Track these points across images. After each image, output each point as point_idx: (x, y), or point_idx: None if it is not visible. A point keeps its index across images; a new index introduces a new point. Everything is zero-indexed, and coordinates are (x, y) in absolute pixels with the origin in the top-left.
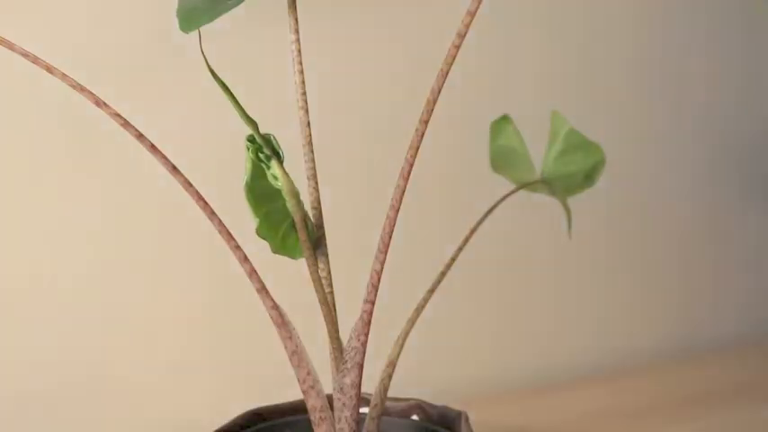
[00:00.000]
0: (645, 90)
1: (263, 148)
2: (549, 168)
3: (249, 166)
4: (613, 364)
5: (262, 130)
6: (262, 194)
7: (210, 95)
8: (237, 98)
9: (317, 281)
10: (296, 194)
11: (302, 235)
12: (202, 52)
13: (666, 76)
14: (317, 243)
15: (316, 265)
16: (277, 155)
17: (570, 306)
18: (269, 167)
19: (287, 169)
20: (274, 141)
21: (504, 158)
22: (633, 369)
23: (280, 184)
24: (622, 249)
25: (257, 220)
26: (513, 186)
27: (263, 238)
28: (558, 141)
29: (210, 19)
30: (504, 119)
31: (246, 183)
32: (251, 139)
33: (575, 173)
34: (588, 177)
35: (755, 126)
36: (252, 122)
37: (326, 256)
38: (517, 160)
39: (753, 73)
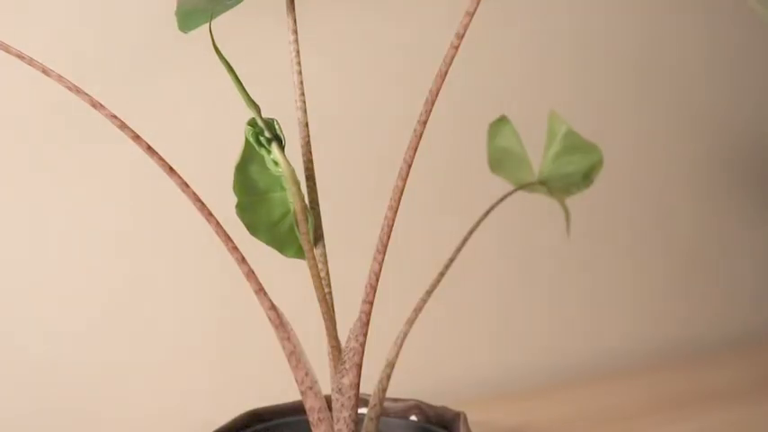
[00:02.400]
0: (643, 91)
1: (264, 132)
2: (547, 169)
3: (244, 149)
4: (611, 364)
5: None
6: (251, 183)
7: (208, 96)
8: (241, 80)
9: (315, 276)
10: (297, 181)
11: (302, 227)
12: (211, 32)
13: (664, 77)
14: (315, 240)
15: (315, 259)
16: (278, 140)
17: (568, 307)
18: (269, 152)
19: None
20: (277, 126)
21: (502, 159)
22: (631, 370)
23: (280, 170)
24: (620, 250)
25: (238, 199)
26: (511, 187)
27: (242, 220)
28: (555, 142)
29: (209, 18)
30: (502, 120)
31: (236, 167)
32: (252, 123)
33: (573, 173)
34: (586, 178)
35: (756, 127)
36: (254, 105)
37: (325, 256)
38: (515, 161)
39: (755, 74)
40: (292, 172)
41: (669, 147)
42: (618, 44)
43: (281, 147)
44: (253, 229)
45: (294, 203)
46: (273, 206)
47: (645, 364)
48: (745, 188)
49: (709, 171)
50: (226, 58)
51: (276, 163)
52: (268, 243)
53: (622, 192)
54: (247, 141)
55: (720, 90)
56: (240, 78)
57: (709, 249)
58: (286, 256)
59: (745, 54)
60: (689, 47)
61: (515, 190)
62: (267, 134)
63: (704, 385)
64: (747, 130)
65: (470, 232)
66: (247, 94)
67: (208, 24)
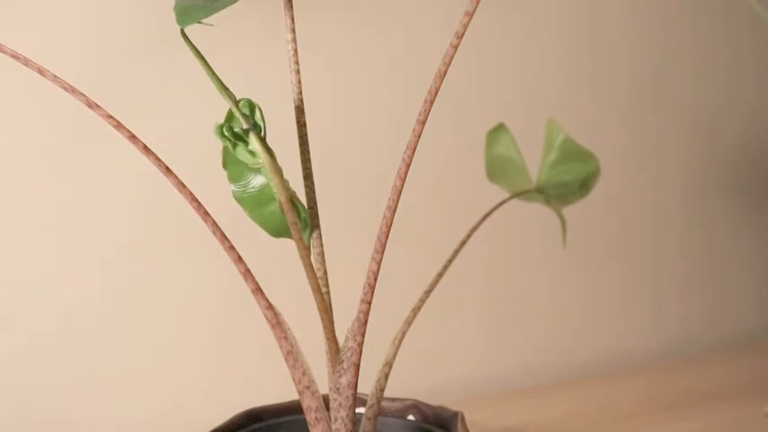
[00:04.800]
0: (642, 96)
1: (242, 124)
2: (544, 177)
3: (223, 153)
4: (608, 364)
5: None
6: (240, 175)
7: (205, 95)
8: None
9: (308, 266)
10: (279, 171)
11: (290, 217)
12: (183, 30)
13: (662, 82)
14: (312, 237)
15: (306, 249)
16: (256, 127)
17: (565, 307)
18: (247, 144)
19: (281, 169)
20: (258, 111)
21: (499, 167)
22: (628, 370)
23: (259, 161)
24: (617, 251)
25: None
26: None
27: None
28: (553, 150)
29: (207, 15)
30: (500, 128)
31: (223, 167)
32: (229, 117)
33: (570, 182)
34: (583, 187)
35: (751, 129)
36: (228, 93)
37: (323, 256)
38: (513, 169)
39: (749, 76)
40: (271, 161)
41: (662, 150)
42: (613, 50)
43: (261, 135)
44: (240, 200)
45: (279, 194)
46: (262, 192)
47: (640, 364)
48: (739, 190)
49: (702, 173)
50: (195, 45)
51: (253, 154)
52: (255, 220)
53: (616, 194)
54: (223, 145)
55: (714, 93)
56: (212, 67)
57: (706, 250)
58: (275, 236)
59: (740, 56)
60: (683, 50)
61: (512, 197)
62: (244, 125)
63: (699, 386)
64: (742, 134)
65: (469, 234)
66: (220, 81)
67: (207, 21)
